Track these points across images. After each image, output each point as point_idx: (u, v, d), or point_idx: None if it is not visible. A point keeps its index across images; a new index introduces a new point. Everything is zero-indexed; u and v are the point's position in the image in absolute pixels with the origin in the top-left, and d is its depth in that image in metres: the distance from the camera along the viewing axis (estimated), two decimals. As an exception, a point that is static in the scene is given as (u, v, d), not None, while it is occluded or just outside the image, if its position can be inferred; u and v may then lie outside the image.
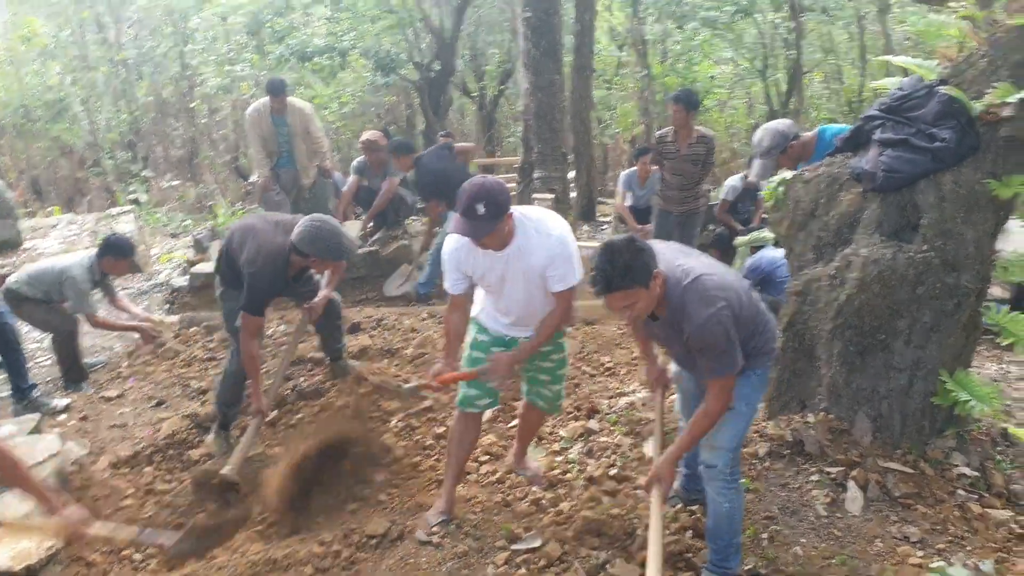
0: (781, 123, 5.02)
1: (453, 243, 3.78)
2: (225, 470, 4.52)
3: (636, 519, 3.94)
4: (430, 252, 7.80)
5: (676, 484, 4.14)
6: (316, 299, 5.26)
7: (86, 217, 11.70)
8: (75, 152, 15.67)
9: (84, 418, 5.69)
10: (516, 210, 3.67)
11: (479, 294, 4.08)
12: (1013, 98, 3.71)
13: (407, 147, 7.82)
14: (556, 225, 3.74)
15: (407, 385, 4.59)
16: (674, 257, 3.32)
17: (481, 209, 3.40)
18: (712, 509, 3.54)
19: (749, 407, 3.49)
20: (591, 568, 3.66)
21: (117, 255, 6.26)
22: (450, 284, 3.92)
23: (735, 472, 3.51)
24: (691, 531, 3.92)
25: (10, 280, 6.21)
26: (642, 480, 3.95)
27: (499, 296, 3.89)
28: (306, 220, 4.68)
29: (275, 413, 5.24)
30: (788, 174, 4.70)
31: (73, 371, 6.41)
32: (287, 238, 4.70)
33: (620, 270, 3.02)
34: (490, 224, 3.45)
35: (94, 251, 6.35)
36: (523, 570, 3.72)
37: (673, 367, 3.88)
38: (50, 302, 6.16)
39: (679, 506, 4.14)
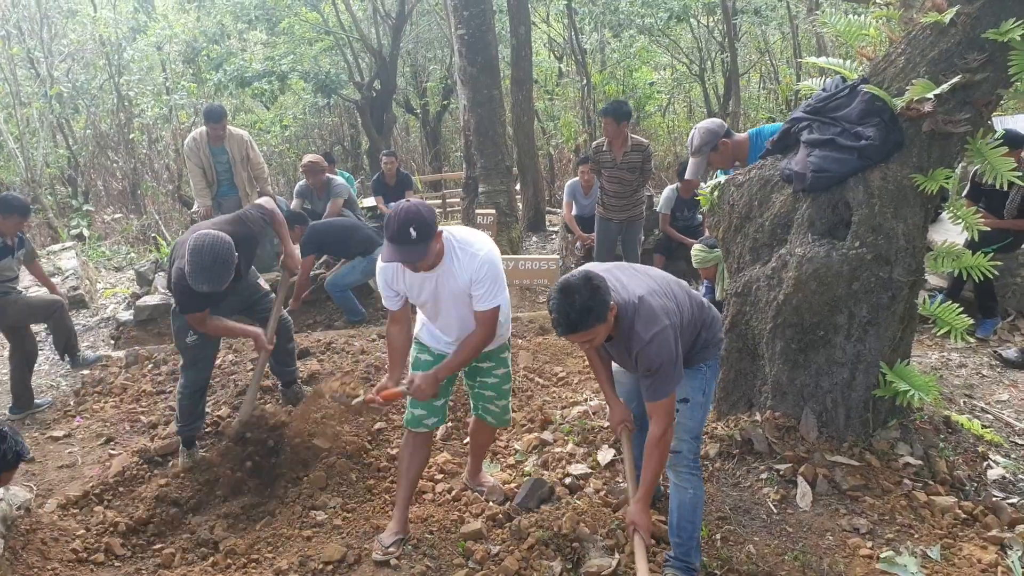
0: (711, 122, 5.10)
1: (381, 263, 3.78)
2: (240, 416, 5.07)
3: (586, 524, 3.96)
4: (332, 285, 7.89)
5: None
6: (266, 332, 5.28)
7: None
8: (12, 189, 15.37)
9: (31, 460, 5.57)
10: (443, 230, 3.68)
11: (420, 315, 4.09)
12: (932, 93, 3.81)
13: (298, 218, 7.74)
14: (482, 246, 3.74)
15: (356, 400, 4.58)
16: (621, 281, 3.38)
17: (413, 233, 3.39)
18: (676, 499, 3.62)
19: (705, 396, 3.62)
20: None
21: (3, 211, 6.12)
22: (386, 301, 3.95)
23: (697, 459, 3.63)
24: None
25: None
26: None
27: (435, 316, 3.91)
28: (194, 237, 4.56)
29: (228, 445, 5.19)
30: (722, 178, 4.78)
31: (23, 397, 6.39)
32: None
33: (581, 313, 3.09)
34: (423, 246, 3.45)
35: None
36: (481, 587, 3.72)
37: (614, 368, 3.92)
38: None
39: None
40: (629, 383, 3.85)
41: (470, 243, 3.72)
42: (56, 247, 11.72)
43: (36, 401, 6.53)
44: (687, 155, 5.24)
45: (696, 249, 6.16)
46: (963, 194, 6.91)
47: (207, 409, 5.56)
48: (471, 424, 4.54)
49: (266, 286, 5.63)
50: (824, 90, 4.36)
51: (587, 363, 6.17)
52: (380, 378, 4.36)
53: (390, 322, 4.04)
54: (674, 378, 3.28)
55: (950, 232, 6.47)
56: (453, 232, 3.76)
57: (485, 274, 3.66)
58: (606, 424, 5.01)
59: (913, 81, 3.92)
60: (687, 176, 5.27)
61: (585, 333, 3.16)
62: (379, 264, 3.79)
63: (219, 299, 4.90)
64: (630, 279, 3.41)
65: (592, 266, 3.47)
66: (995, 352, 6.23)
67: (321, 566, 3.97)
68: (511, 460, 4.97)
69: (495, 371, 4.14)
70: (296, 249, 5.72)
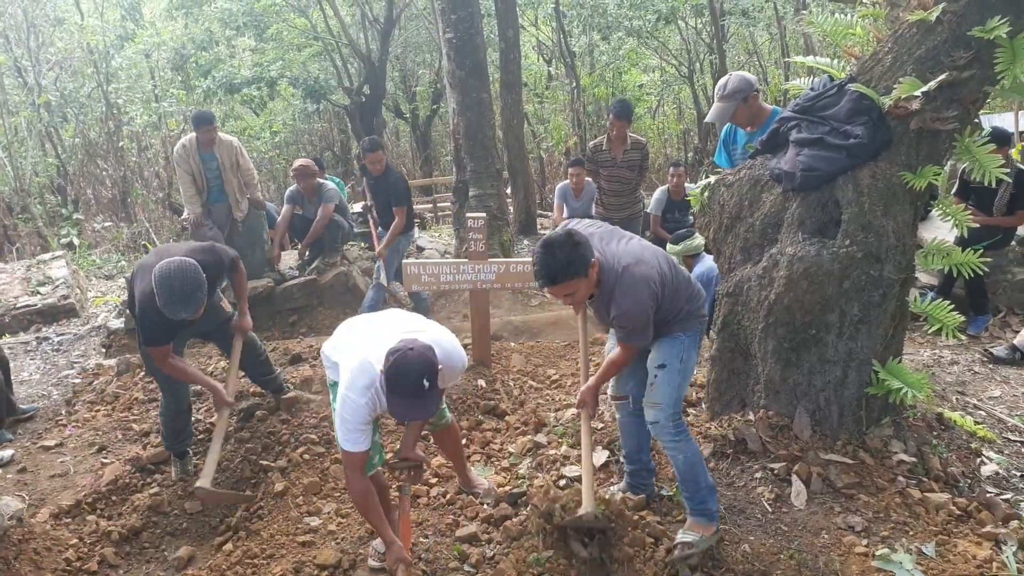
0: (746, 73, 5.06)
1: (361, 399, 3.45)
2: (199, 483, 4.55)
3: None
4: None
5: (623, 485, 4.34)
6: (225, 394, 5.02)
7: (15, 264, 11.42)
8: (1, 199, 15.31)
9: (23, 470, 5.54)
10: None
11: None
12: (919, 91, 3.83)
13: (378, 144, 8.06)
14: (459, 361, 3.67)
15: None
16: (607, 243, 3.68)
17: (427, 384, 3.21)
18: (675, 464, 3.85)
19: (683, 364, 3.80)
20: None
21: None
22: (357, 441, 3.51)
23: (679, 425, 3.81)
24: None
25: None
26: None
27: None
28: (161, 264, 4.41)
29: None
30: (712, 179, 4.79)
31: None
32: None
33: (561, 264, 3.38)
34: (440, 394, 3.40)
35: None
36: (477, 590, 3.72)
37: (608, 345, 4.18)
38: None
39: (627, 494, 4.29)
40: (627, 372, 4.06)
41: (449, 357, 3.59)
42: (46, 256, 11.69)
43: (22, 407, 6.49)
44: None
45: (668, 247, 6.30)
46: (952, 192, 6.94)
47: (199, 416, 5.54)
48: (434, 440, 4.56)
49: (229, 309, 5.37)
50: (812, 89, 4.37)
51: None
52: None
53: (355, 472, 3.60)
54: (643, 336, 3.65)
55: (940, 230, 6.49)
56: (437, 343, 3.54)
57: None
58: (599, 425, 5.02)
59: (900, 79, 3.93)
60: (709, 119, 5.15)
61: (565, 286, 3.44)
62: (358, 401, 3.46)
63: (184, 326, 4.73)
64: (618, 246, 3.66)
65: (577, 224, 3.84)
66: (986, 351, 6.25)
67: (316, 572, 3.97)
68: (505, 463, 4.96)
69: None
70: (248, 316, 5.39)
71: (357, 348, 3.58)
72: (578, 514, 3.73)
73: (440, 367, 3.31)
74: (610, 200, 7.84)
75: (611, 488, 4.36)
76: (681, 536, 3.76)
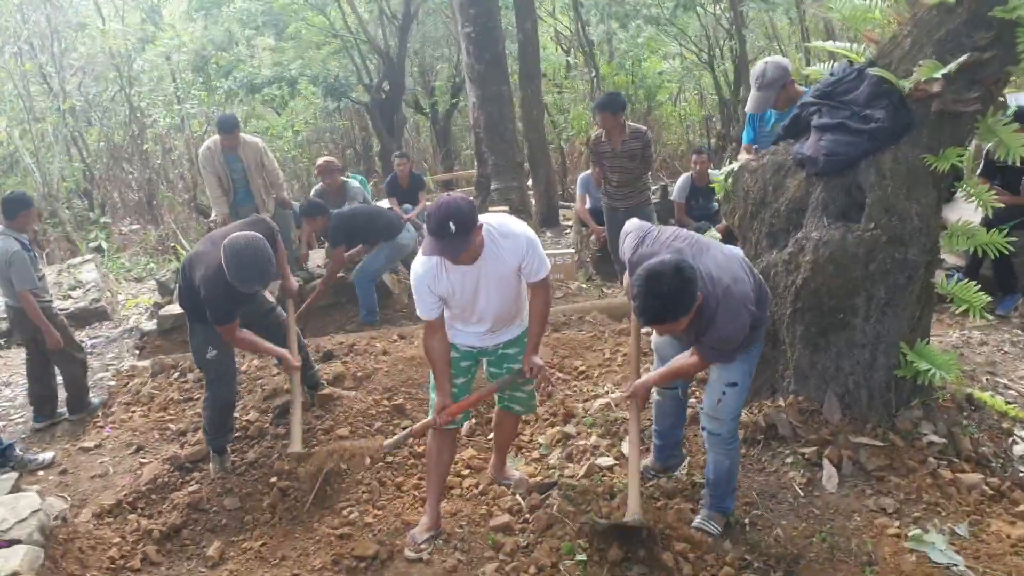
0: (782, 59, 5.05)
1: (420, 268, 3.78)
2: (291, 448, 4.93)
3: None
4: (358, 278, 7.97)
5: (650, 460, 4.45)
6: (288, 354, 5.30)
7: (46, 269, 11.58)
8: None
9: (64, 471, 5.66)
10: (480, 219, 3.75)
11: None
12: (939, 73, 3.82)
13: (318, 208, 7.90)
14: (517, 225, 3.88)
15: (389, 440, 4.60)
16: (698, 259, 3.37)
17: (453, 227, 3.45)
18: (714, 466, 3.88)
19: (747, 379, 3.80)
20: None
21: (25, 207, 6.22)
22: (424, 310, 3.89)
23: (735, 436, 3.87)
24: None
25: None
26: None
27: (471, 310, 3.93)
28: (228, 239, 4.63)
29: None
30: (735, 165, 4.80)
31: (76, 399, 6.67)
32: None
33: (670, 307, 3.17)
34: (463, 240, 3.51)
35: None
36: (513, 579, 3.78)
37: (655, 338, 4.17)
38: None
39: (652, 477, 4.41)
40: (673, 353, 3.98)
41: (506, 224, 3.85)
42: (76, 260, 11.86)
43: (90, 399, 6.83)
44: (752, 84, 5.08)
45: None
46: (977, 172, 6.89)
47: (235, 414, 5.63)
48: (495, 417, 4.59)
49: (272, 299, 5.62)
50: (832, 74, 4.38)
51: (606, 357, 6.24)
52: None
53: (429, 333, 3.98)
54: (731, 359, 3.56)
55: (965, 211, 6.45)
56: (488, 219, 3.83)
57: (531, 250, 3.81)
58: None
59: (920, 62, 3.93)
60: (749, 109, 5.14)
61: (669, 325, 3.27)
62: (417, 270, 3.80)
63: (246, 303, 4.97)
64: (710, 262, 3.40)
65: (656, 241, 3.56)
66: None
67: (354, 563, 4.04)
68: (535, 454, 5.01)
69: (520, 356, 4.18)
70: (292, 279, 5.73)
71: None
72: (624, 520, 3.78)
73: (480, 224, 3.58)
74: (615, 190, 7.82)
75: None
76: (704, 524, 3.90)
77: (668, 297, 3.13)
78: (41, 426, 6.60)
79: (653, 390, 4.17)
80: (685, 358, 3.69)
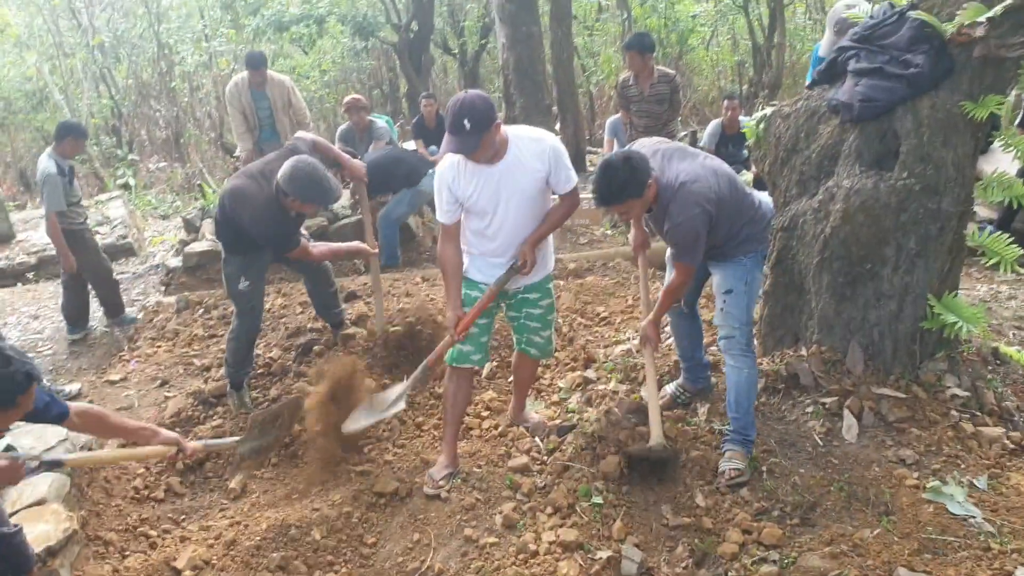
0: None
1: (443, 166, 3.86)
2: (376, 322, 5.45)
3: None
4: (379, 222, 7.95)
5: (681, 380, 4.64)
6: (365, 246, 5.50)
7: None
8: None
9: (90, 402, 5.75)
10: (507, 129, 3.78)
11: (468, 246, 4.09)
12: (984, 17, 3.70)
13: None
14: (545, 135, 3.91)
15: (413, 377, 4.47)
16: (670, 160, 3.79)
17: (467, 124, 3.51)
18: (733, 379, 4.03)
19: (748, 286, 3.99)
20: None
21: (70, 133, 6.60)
22: (442, 211, 3.94)
23: (750, 343, 4.05)
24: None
25: None
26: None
27: (490, 221, 3.90)
28: (290, 161, 4.72)
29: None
30: (768, 110, 4.71)
31: (112, 305, 7.24)
32: (271, 184, 4.81)
33: (617, 188, 3.59)
34: (476, 137, 3.55)
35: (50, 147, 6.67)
36: (530, 518, 3.81)
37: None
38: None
39: (687, 402, 4.63)
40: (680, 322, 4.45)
41: (534, 133, 3.91)
42: (103, 196, 11.94)
43: (126, 314, 7.35)
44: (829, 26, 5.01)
45: None
46: (1016, 122, 6.73)
47: (258, 352, 5.67)
48: (514, 360, 4.60)
49: (306, 235, 5.59)
50: (872, 17, 4.25)
51: (628, 303, 6.23)
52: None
53: (444, 239, 4.03)
54: (694, 254, 3.78)
55: (1002, 162, 6.32)
56: (516, 130, 3.86)
57: (556, 157, 3.83)
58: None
59: (964, 5, 3.80)
60: (822, 53, 4.98)
61: (619, 206, 3.68)
62: (441, 169, 3.86)
63: (300, 223, 5.16)
64: (680, 164, 3.76)
65: (643, 143, 3.97)
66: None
67: (375, 499, 4.10)
68: (555, 398, 5.03)
69: (540, 301, 4.19)
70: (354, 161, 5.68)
71: None
72: (647, 445, 3.93)
73: (498, 122, 3.63)
74: (642, 136, 7.73)
75: (666, 388, 4.67)
76: (729, 464, 3.95)
77: (615, 180, 3.56)
78: (76, 337, 7.05)
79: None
80: (669, 277, 4.06)
